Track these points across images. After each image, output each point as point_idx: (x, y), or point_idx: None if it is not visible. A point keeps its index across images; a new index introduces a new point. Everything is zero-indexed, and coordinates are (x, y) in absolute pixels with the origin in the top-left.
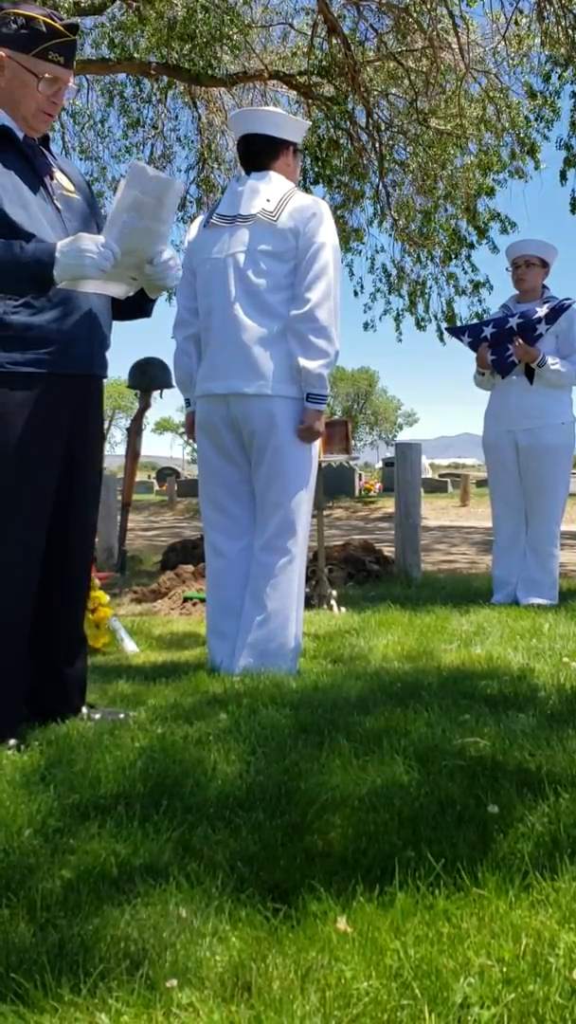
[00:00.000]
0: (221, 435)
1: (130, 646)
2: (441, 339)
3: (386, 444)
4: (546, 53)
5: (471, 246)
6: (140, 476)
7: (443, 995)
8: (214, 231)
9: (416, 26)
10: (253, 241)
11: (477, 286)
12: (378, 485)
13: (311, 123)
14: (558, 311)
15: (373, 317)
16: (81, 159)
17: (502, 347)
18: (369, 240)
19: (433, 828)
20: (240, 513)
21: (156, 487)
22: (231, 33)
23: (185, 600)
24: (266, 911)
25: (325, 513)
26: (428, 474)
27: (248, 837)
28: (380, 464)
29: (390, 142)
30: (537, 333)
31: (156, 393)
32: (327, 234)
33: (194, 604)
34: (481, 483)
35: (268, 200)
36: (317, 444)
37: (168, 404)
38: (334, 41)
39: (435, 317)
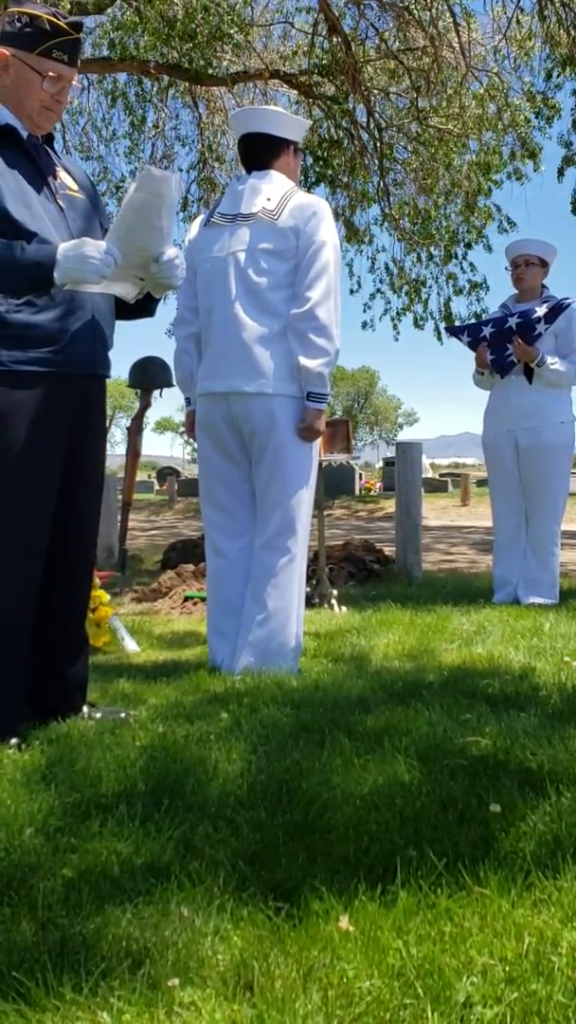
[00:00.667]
0: (221, 434)
1: (131, 645)
2: (439, 339)
3: (386, 443)
4: (547, 52)
5: (468, 246)
6: (140, 475)
7: (446, 994)
8: (215, 230)
9: (417, 25)
10: (254, 240)
11: (475, 286)
12: (378, 484)
13: (312, 122)
14: (557, 311)
15: (373, 316)
16: (82, 159)
17: (501, 347)
18: (370, 240)
19: (435, 827)
20: (241, 512)
21: (156, 486)
22: (231, 32)
23: (186, 599)
24: (268, 910)
25: (325, 512)
26: (428, 474)
27: (250, 836)
28: (380, 463)
29: (391, 141)
30: (536, 333)
31: (156, 392)
32: (328, 233)
33: (195, 603)
34: (481, 483)
35: (269, 199)
36: (317, 443)
37: (168, 403)
38: (335, 40)
39: (432, 316)
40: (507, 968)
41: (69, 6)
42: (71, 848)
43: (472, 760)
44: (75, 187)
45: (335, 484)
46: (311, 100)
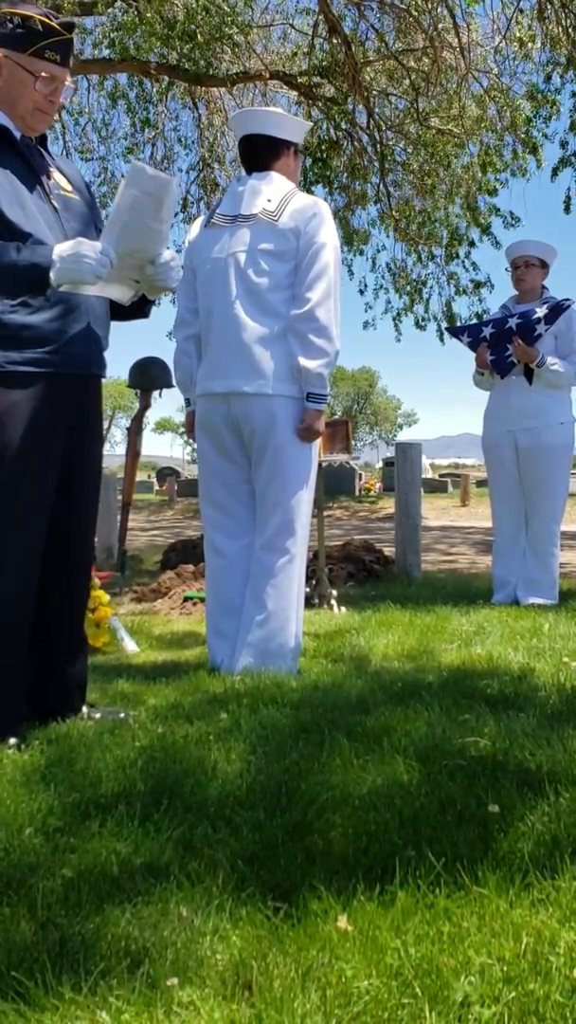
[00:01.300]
0: (221, 434)
1: (130, 646)
2: (441, 339)
3: (386, 444)
4: (547, 53)
5: (472, 244)
6: (140, 476)
7: (444, 994)
8: (215, 231)
9: (417, 26)
10: (254, 241)
11: (478, 285)
12: (378, 485)
13: (312, 124)
14: (557, 311)
15: (374, 316)
16: (83, 159)
17: (501, 347)
18: (372, 241)
19: (434, 827)
20: (240, 512)
21: (156, 487)
22: (231, 33)
23: (185, 600)
24: (267, 910)
25: (325, 513)
26: (428, 474)
27: (249, 836)
28: (380, 464)
29: (391, 142)
30: (536, 333)
31: (156, 393)
32: (328, 234)
33: (194, 604)
34: (481, 483)
35: (269, 200)
36: (317, 444)
37: (168, 404)
38: (335, 41)
39: (435, 317)
40: (505, 968)
41: (70, 6)
42: (70, 848)
43: (471, 760)
44: (69, 188)
45: (335, 484)
46: (311, 101)
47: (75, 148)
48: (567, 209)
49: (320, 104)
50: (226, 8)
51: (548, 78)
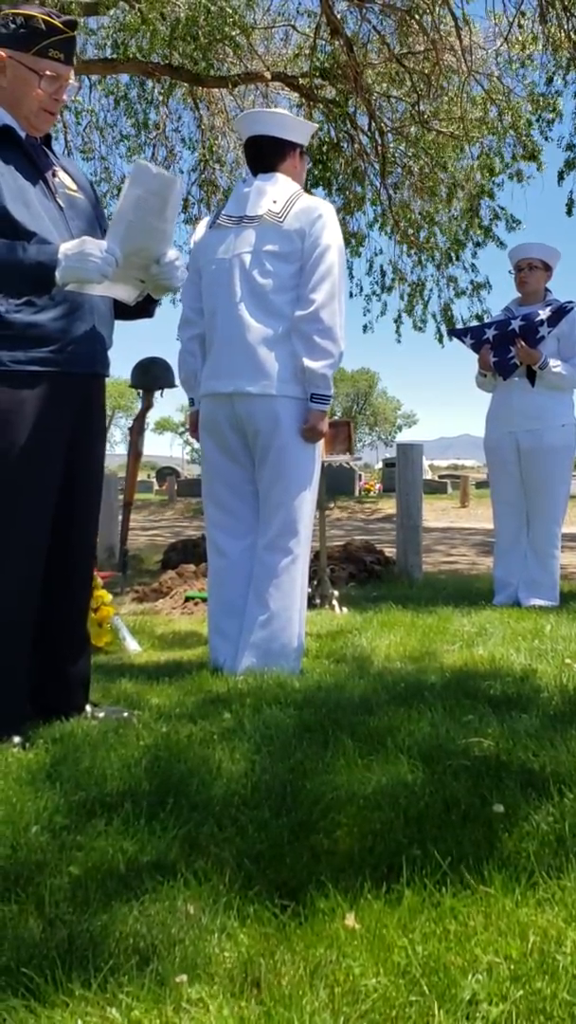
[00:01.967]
0: (225, 434)
1: (132, 645)
2: (440, 341)
3: (385, 445)
4: (549, 56)
5: (478, 244)
6: (140, 476)
7: (451, 992)
8: (220, 231)
9: (418, 28)
10: (259, 242)
11: (478, 287)
12: (378, 486)
13: (316, 125)
14: (560, 313)
15: (372, 319)
16: (84, 159)
17: (504, 349)
18: (369, 243)
19: (439, 827)
20: (243, 512)
21: (156, 487)
22: (233, 34)
23: (187, 600)
24: (274, 908)
25: (326, 513)
26: (427, 475)
27: (255, 835)
28: (380, 465)
29: (392, 145)
30: (539, 335)
31: (157, 392)
32: (333, 236)
33: (196, 604)
34: (480, 484)
35: (275, 201)
36: (320, 444)
37: (168, 404)
38: (336, 43)
39: (434, 318)
40: (512, 966)
41: (75, 7)
42: (77, 846)
43: (475, 761)
44: (74, 187)
45: (335, 485)
46: (312, 103)
47: (76, 147)
48: (569, 212)
49: (321, 106)
50: (228, 9)
51: (550, 81)
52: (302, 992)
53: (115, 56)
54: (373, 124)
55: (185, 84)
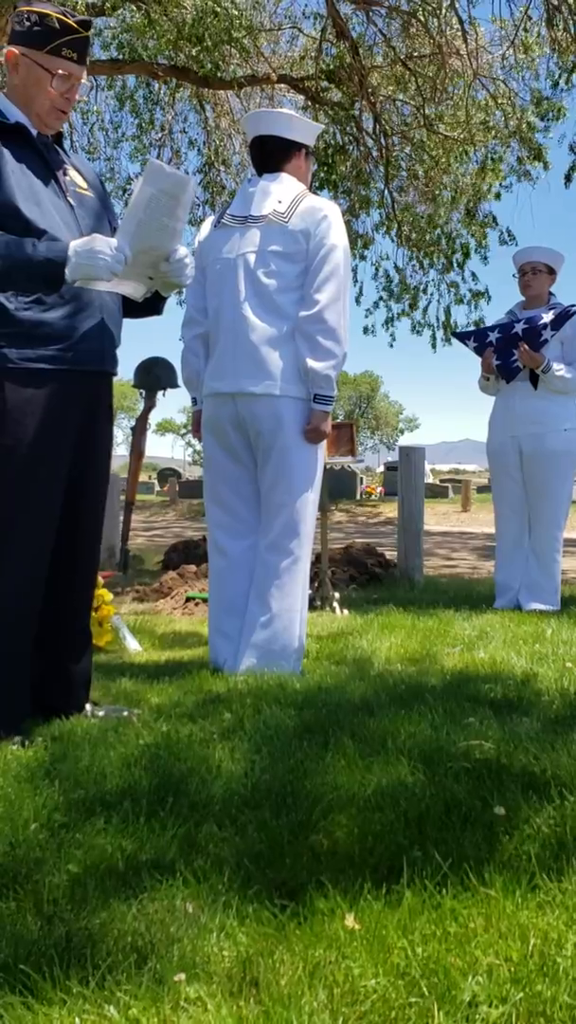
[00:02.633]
0: (228, 434)
1: (133, 645)
2: (434, 347)
3: (387, 448)
4: (555, 60)
5: (467, 253)
6: (142, 477)
7: (451, 994)
8: (225, 231)
9: (424, 31)
10: (264, 242)
11: (477, 296)
12: (379, 489)
13: (322, 127)
14: (564, 317)
15: (375, 323)
16: (89, 159)
17: (507, 352)
18: (375, 246)
19: (439, 828)
20: (245, 513)
21: (157, 488)
22: (240, 36)
23: (188, 600)
24: (273, 907)
25: (327, 516)
26: (429, 479)
27: (254, 835)
28: (381, 468)
29: (397, 148)
30: (542, 339)
31: (159, 392)
32: (338, 236)
33: (196, 604)
34: (482, 489)
35: (280, 201)
36: (323, 445)
37: (169, 405)
38: (342, 45)
39: (431, 324)
40: (512, 968)
41: (83, 8)
42: (76, 844)
43: (475, 763)
44: (85, 185)
45: (336, 488)
46: (317, 105)
47: (82, 147)
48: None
49: (327, 108)
50: (234, 11)
51: (555, 84)
52: (301, 992)
53: (121, 57)
54: (378, 127)
55: (191, 86)
